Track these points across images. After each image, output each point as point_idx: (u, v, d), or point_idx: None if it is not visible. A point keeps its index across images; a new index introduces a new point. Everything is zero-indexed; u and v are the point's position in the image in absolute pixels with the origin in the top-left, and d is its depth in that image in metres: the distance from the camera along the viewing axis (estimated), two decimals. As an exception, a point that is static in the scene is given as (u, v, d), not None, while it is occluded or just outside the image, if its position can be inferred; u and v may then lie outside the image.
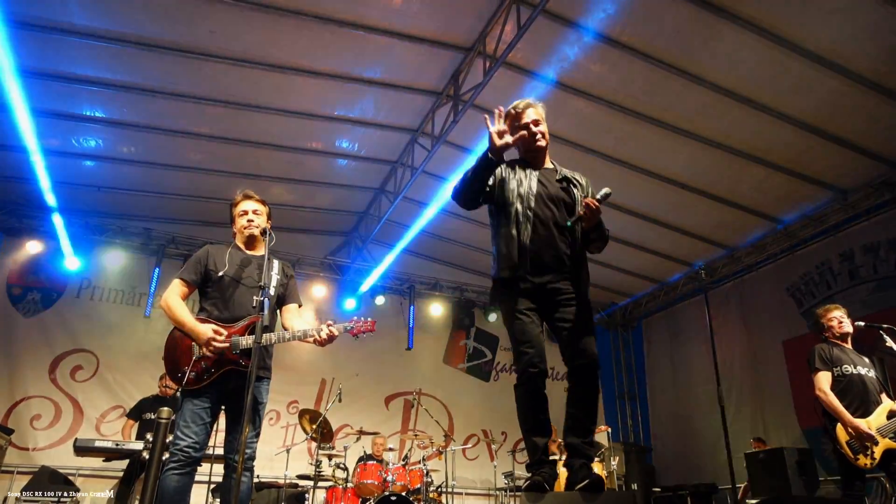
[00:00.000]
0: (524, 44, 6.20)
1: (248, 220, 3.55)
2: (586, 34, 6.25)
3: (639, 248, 9.89)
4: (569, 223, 2.93)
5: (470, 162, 3.00)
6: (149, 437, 5.76)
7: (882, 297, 7.65)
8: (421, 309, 10.99)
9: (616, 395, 11.85)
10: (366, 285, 10.23)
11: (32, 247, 8.56)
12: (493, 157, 2.85)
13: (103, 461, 6.94)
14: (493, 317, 11.31)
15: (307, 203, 9.46)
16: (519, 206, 2.96)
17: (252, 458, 3.31)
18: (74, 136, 7.60)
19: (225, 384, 3.28)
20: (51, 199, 7.90)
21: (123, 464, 7.07)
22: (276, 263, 3.53)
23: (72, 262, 8.66)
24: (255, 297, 3.09)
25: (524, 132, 3.03)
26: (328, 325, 3.37)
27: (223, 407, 3.41)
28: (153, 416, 6.97)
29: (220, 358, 3.24)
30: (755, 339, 9.41)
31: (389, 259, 9.64)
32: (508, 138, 2.87)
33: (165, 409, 5.53)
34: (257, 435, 3.37)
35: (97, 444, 5.90)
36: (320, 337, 3.34)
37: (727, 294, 9.99)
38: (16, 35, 5.82)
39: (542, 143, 3.13)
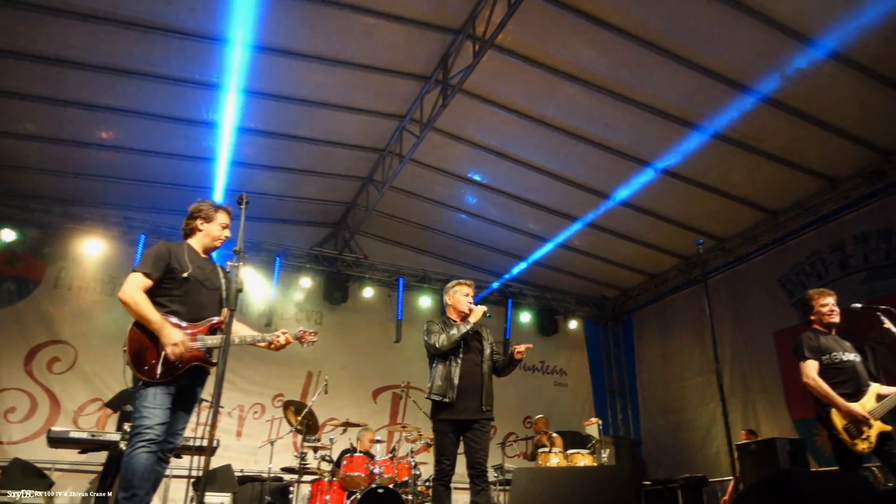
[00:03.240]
0: (514, 26, 6.09)
1: (226, 235, 3.78)
2: (577, 16, 6.13)
3: (629, 240, 9.81)
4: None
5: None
6: (126, 427, 5.56)
7: (874, 286, 7.59)
8: (409, 301, 10.83)
9: (606, 389, 11.75)
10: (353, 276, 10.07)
11: (7, 235, 8.26)
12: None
13: (79, 453, 6.74)
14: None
15: (293, 192, 9.26)
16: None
17: (174, 448, 3.45)
18: (53, 121, 7.36)
19: (184, 378, 3.39)
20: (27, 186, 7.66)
21: (102, 457, 6.88)
22: (220, 271, 3.78)
23: (48, 251, 8.40)
24: (217, 299, 3.58)
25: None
26: (283, 333, 3.67)
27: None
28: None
29: (189, 356, 3.36)
30: (746, 331, 9.34)
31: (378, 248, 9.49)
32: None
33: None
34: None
35: (72, 434, 5.71)
36: (278, 342, 3.62)
37: (717, 285, 9.90)
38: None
39: None
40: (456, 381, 4.53)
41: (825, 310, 4.56)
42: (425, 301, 10.91)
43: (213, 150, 7.83)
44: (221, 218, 3.75)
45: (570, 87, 7.06)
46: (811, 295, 4.68)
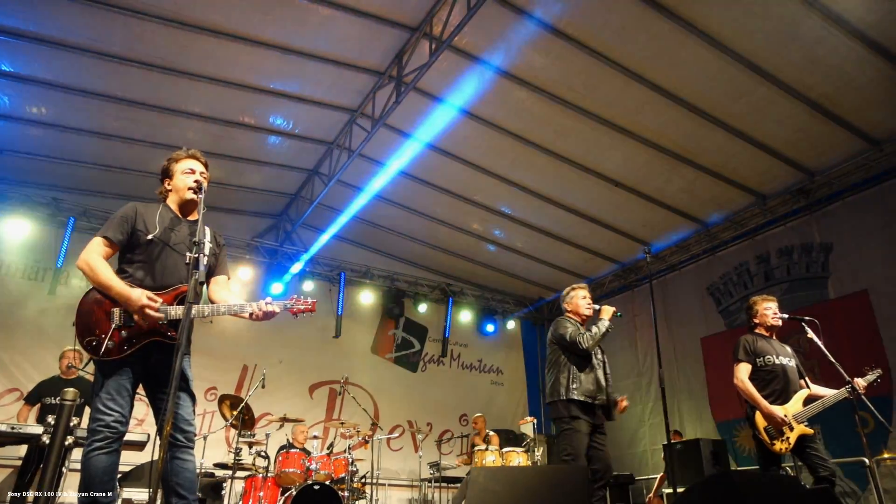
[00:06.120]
0: (471, 28, 6.13)
1: (196, 181, 3.16)
2: (534, 23, 6.24)
3: (569, 244, 10.05)
4: None
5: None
6: (50, 419, 5.28)
7: (794, 297, 8.10)
8: (350, 296, 10.74)
9: (539, 389, 12.01)
10: (294, 269, 9.92)
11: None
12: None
13: (-5, 447, 6.31)
14: (423, 307, 11.23)
15: (235, 181, 9.00)
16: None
17: (194, 433, 3.01)
18: (-24, 91, 6.90)
19: (146, 358, 2.95)
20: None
21: (17, 451, 6.48)
22: (207, 231, 3.16)
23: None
24: (185, 264, 2.84)
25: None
26: (267, 302, 3.06)
27: (142, 384, 3.08)
28: (55, 401, 6.42)
29: (145, 328, 2.92)
30: (675, 336, 9.76)
31: (321, 241, 9.37)
32: None
33: (70, 390, 5.07)
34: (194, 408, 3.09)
35: (-11, 426, 5.35)
36: (258, 312, 3.03)
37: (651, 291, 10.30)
38: None
39: None
40: (604, 383, 4.54)
41: (769, 313, 4.81)
42: (367, 297, 10.85)
43: (155, 133, 7.51)
44: (182, 165, 3.23)
45: (522, 92, 7.17)
46: (755, 300, 4.93)
